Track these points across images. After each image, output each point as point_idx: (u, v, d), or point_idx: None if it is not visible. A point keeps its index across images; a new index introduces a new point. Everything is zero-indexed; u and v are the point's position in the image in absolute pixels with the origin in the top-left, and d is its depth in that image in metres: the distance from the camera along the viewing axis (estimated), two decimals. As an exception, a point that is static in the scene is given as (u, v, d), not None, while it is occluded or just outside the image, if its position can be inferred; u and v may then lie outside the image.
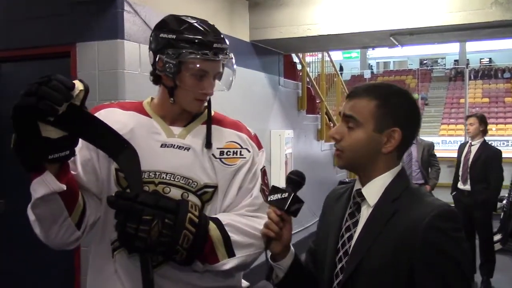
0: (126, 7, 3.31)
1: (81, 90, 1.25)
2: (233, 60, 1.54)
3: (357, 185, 1.33)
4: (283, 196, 1.30)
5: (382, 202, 1.26)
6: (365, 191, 1.29)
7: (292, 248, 1.38)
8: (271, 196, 1.32)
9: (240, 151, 1.56)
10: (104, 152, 1.44)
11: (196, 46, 1.44)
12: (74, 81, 1.25)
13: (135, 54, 3.34)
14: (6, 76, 3.76)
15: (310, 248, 1.49)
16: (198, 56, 1.43)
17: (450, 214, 1.19)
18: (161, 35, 1.47)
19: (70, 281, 3.46)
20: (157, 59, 1.48)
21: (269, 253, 1.36)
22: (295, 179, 1.34)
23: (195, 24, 1.48)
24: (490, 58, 29.06)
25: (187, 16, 1.52)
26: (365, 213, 1.28)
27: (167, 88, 1.51)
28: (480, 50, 27.67)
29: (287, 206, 1.30)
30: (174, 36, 1.45)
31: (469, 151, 5.13)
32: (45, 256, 3.34)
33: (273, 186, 1.35)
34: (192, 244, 1.34)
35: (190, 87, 1.47)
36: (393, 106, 1.26)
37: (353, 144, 1.27)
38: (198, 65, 1.44)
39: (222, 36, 1.50)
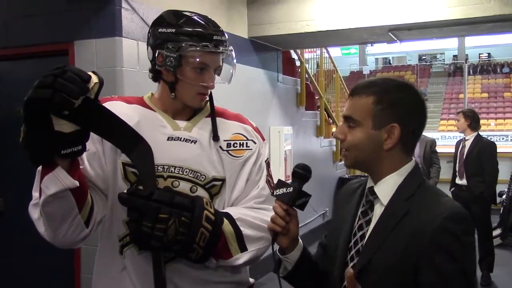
0: (124, 4, 3.29)
1: (95, 82, 1.22)
2: (233, 53, 1.53)
3: (370, 183, 1.31)
4: (288, 191, 1.30)
5: (394, 201, 1.23)
6: (378, 189, 1.27)
7: (300, 241, 1.37)
8: (277, 191, 1.31)
9: (246, 143, 1.56)
10: (118, 148, 1.42)
11: (196, 39, 1.43)
12: (88, 73, 1.21)
13: (133, 51, 3.33)
14: (4, 75, 3.75)
15: (322, 242, 1.49)
16: (199, 48, 1.42)
17: (462, 216, 1.17)
18: (160, 30, 1.47)
19: (70, 279, 3.46)
20: (156, 54, 1.47)
21: (276, 247, 1.36)
22: (301, 173, 1.33)
23: (194, 17, 1.48)
24: (489, 53, 29.04)
25: (185, 11, 1.51)
26: (378, 212, 1.26)
27: (167, 84, 1.50)
28: (479, 45, 27.65)
29: (292, 200, 1.29)
30: (173, 30, 1.44)
31: (463, 146, 5.17)
32: (44, 255, 3.34)
33: (279, 180, 1.34)
34: (208, 241, 1.33)
35: (191, 80, 1.46)
36: (390, 101, 1.23)
37: (355, 144, 1.25)
38: (199, 58, 1.44)
39: (220, 28, 1.50)
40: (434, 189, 1.29)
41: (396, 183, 1.25)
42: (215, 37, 1.45)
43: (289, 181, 1.34)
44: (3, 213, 3.68)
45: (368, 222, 1.27)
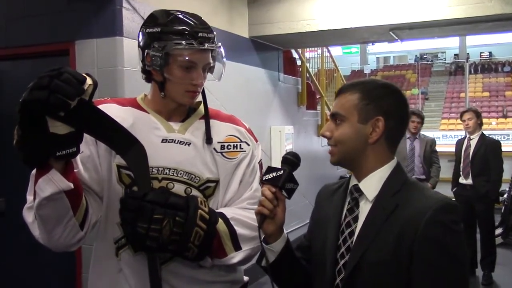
0: (125, 4, 3.30)
1: (90, 84, 1.22)
2: (221, 50, 1.52)
3: (353, 181, 1.33)
4: (277, 174, 1.31)
5: (382, 196, 1.27)
6: (363, 186, 1.30)
7: (285, 232, 1.37)
8: (266, 175, 1.32)
9: (240, 145, 1.56)
10: (112, 149, 1.42)
11: (180, 37, 1.42)
12: (83, 75, 1.22)
13: (134, 51, 3.29)
14: (5, 75, 3.75)
15: (302, 244, 1.49)
16: (183, 46, 1.42)
17: (451, 207, 1.21)
18: (147, 30, 1.47)
19: (71, 279, 3.46)
20: (145, 54, 1.47)
21: (262, 235, 1.35)
22: (290, 159, 1.34)
23: (180, 16, 1.47)
24: (490, 52, 28.99)
25: (174, 10, 1.50)
26: (364, 208, 1.29)
27: (157, 83, 1.50)
28: (480, 44, 27.60)
29: (281, 182, 1.29)
30: (159, 29, 1.44)
31: (468, 146, 5.12)
32: (46, 255, 3.34)
33: (268, 166, 1.35)
34: (203, 240, 1.34)
35: (179, 79, 1.45)
36: (375, 96, 1.29)
37: (341, 138, 1.29)
38: (184, 56, 1.43)
39: (208, 26, 1.49)
40: (419, 184, 1.34)
41: (381, 180, 1.28)
42: (200, 34, 1.44)
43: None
44: (5, 213, 3.68)
45: (356, 219, 1.29)
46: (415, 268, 1.17)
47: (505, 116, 21.43)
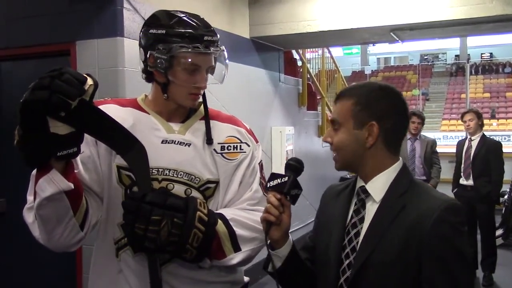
0: (126, 5, 3.30)
1: (90, 84, 1.23)
2: (225, 53, 1.52)
3: (360, 182, 1.34)
4: (283, 180, 1.31)
5: (389, 196, 1.28)
6: (370, 187, 1.31)
7: (290, 237, 1.38)
8: (271, 182, 1.32)
9: (240, 146, 1.56)
10: (113, 150, 1.42)
11: (186, 40, 1.43)
12: (84, 75, 1.22)
13: (135, 51, 3.29)
14: (5, 75, 3.75)
15: (307, 245, 1.49)
16: (189, 50, 1.42)
17: (457, 208, 1.23)
18: (151, 31, 1.46)
19: (71, 279, 3.46)
20: (148, 55, 1.46)
21: (268, 242, 1.35)
22: (294, 165, 1.34)
23: (185, 18, 1.47)
24: (491, 53, 28.99)
25: (177, 11, 1.50)
26: (370, 209, 1.30)
27: (160, 85, 1.49)
28: (481, 45, 27.58)
29: (286, 188, 1.30)
30: (164, 31, 1.44)
31: (469, 146, 5.12)
32: (46, 255, 3.34)
33: (272, 173, 1.35)
34: (202, 242, 1.34)
35: (183, 82, 1.45)
36: (369, 101, 1.29)
37: (339, 144, 1.31)
38: (189, 59, 1.43)
39: (212, 29, 1.49)
40: (424, 185, 1.35)
41: (387, 181, 1.29)
42: (205, 38, 1.44)
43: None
44: (5, 213, 3.69)
45: (362, 220, 1.30)
46: (423, 265, 1.19)
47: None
